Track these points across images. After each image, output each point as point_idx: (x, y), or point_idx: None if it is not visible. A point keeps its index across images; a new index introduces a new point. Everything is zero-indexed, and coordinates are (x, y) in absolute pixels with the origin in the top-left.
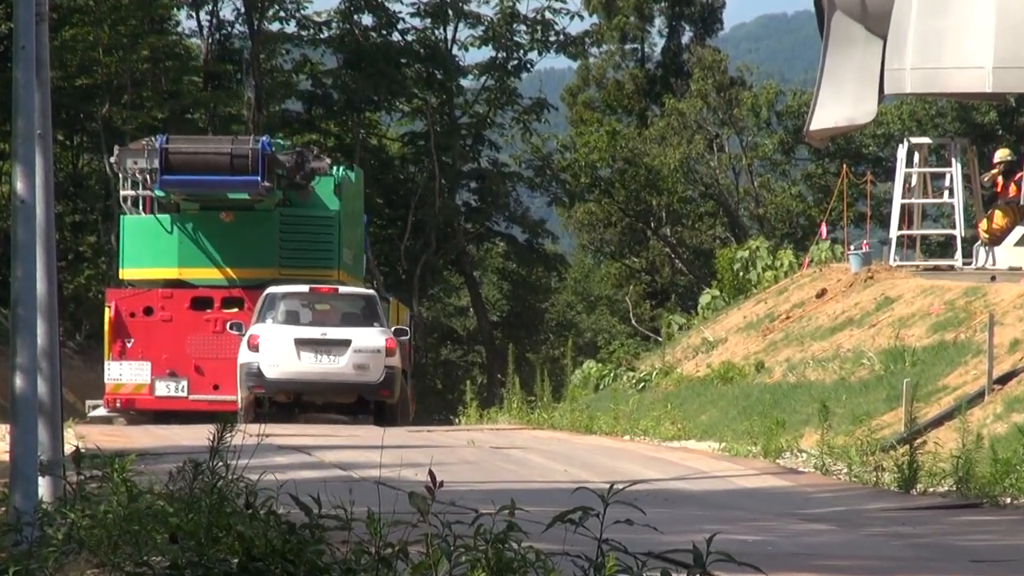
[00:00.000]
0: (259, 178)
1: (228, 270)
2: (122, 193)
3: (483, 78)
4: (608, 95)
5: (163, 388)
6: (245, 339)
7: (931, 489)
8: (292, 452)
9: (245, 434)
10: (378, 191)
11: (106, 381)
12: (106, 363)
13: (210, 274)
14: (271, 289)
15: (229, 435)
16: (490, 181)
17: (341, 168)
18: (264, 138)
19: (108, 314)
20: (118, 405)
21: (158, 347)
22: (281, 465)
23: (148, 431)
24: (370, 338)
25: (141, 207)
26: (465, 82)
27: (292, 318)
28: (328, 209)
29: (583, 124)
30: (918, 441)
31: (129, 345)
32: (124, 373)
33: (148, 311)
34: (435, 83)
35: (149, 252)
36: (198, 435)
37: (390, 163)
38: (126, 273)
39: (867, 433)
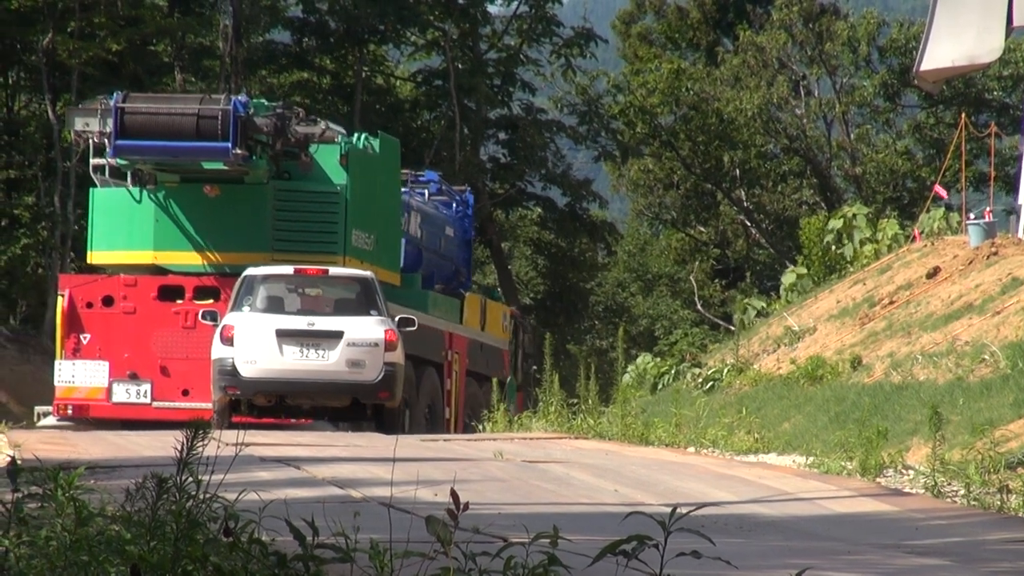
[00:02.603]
0: (230, 144)
1: (212, 254)
2: (93, 161)
3: (515, 3)
4: (669, 25)
5: (122, 393)
6: (218, 331)
7: None
8: (278, 465)
9: (220, 443)
10: None
11: (56, 383)
12: (57, 362)
13: (191, 259)
14: (249, 271)
15: (200, 444)
16: (523, 131)
17: (362, 135)
18: (239, 97)
19: (61, 304)
20: (69, 412)
21: (118, 344)
22: (265, 482)
23: (99, 439)
24: (366, 329)
25: (129, 178)
26: (493, 8)
27: (274, 305)
28: (331, 183)
29: (638, 61)
30: None
31: (85, 341)
32: (77, 375)
33: (108, 301)
34: (455, 9)
35: (121, 232)
36: (161, 444)
37: (399, 108)
38: (95, 256)
39: (990, 446)
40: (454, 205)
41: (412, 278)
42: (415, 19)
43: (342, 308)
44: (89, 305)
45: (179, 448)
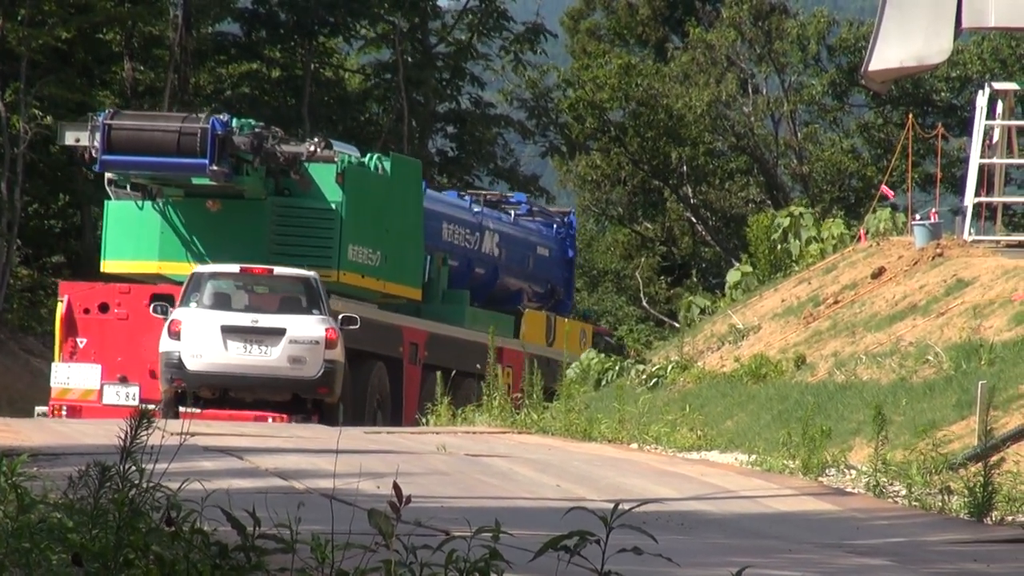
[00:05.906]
0: (208, 161)
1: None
2: (107, 175)
3: None
4: (618, 21)
5: (112, 395)
6: (166, 325)
7: (1009, 518)
8: (221, 455)
9: (165, 433)
10: (333, 135)
11: (52, 385)
12: (54, 364)
13: (192, 270)
14: (198, 268)
15: (144, 433)
16: (471, 125)
17: (373, 156)
18: (218, 117)
19: (60, 309)
20: (63, 413)
21: (111, 349)
22: (208, 472)
23: (43, 426)
24: (308, 327)
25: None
26: (443, 2)
27: (220, 302)
28: (326, 200)
29: (587, 57)
30: (994, 458)
31: (81, 345)
32: (72, 377)
33: (103, 308)
34: (405, 2)
35: (131, 243)
36: (105, 433)
37: (348, 101)
38: (108, 265)
39: (931, 447)
40: (554, 226)
41: (459, 295)
42: (365, 12)
43: (286, 307)
44: (86, 311)
45: (122, 437)
